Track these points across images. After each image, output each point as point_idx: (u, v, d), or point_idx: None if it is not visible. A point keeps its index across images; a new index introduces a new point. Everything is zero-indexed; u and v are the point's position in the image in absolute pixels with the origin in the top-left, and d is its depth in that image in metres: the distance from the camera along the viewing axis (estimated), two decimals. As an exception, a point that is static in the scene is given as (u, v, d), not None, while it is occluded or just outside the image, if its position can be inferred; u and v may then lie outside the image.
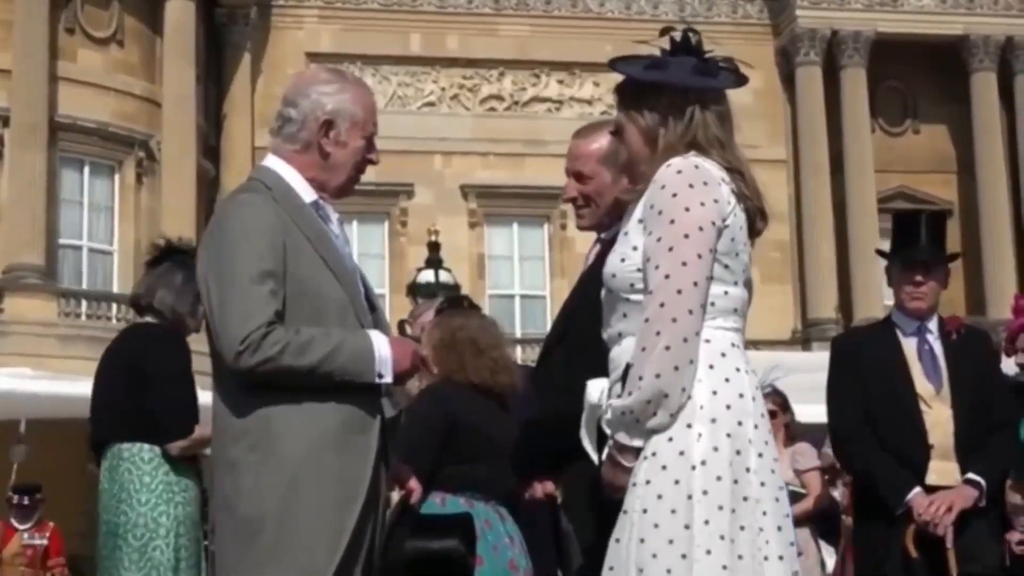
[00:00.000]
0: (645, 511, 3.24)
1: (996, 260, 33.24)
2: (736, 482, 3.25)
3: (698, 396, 3.28)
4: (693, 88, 3.49)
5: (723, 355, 3.34)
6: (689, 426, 3.27)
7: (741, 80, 3.59)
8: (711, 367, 3.31)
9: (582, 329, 3.78)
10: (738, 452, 3.27)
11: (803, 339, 32.61)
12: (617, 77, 3.62)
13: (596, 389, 3.47)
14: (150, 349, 5.76)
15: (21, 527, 14.16)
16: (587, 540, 3.96)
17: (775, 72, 34.51)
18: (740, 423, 3.30)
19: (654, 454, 3.27)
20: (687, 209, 3.33)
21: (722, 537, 3.21)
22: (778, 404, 8.92)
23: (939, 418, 5.51)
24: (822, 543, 9.22)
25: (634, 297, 3.39)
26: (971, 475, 5.44)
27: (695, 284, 3.29)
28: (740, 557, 3.22)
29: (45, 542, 14.19)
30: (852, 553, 7.78)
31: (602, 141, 4.21)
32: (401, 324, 9.27)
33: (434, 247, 23.72)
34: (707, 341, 3.32)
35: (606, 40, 27.50)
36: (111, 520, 5.67)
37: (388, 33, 33.65)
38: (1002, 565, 5.61)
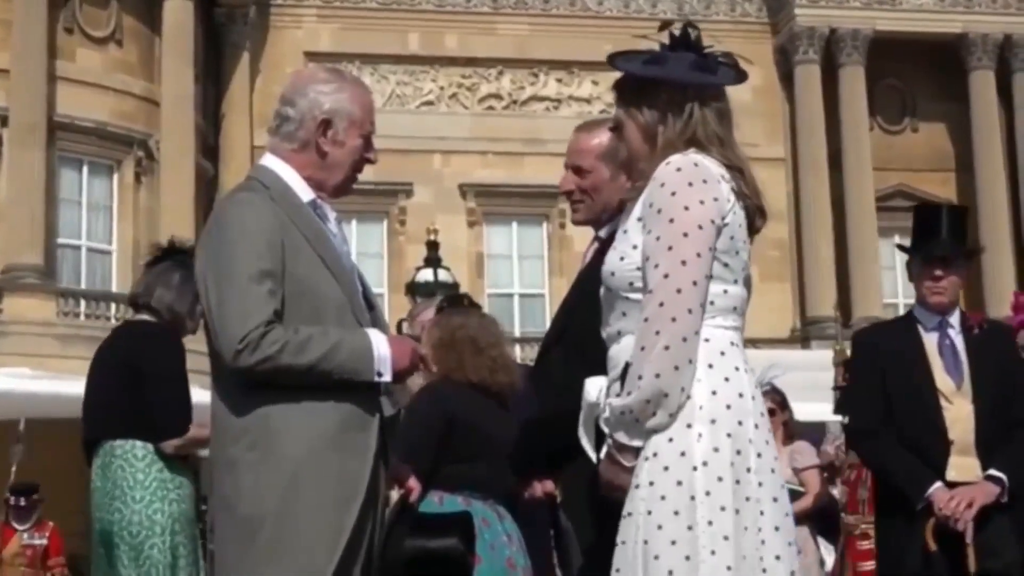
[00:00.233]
0: (649, 513, 3.23)
1: (995, 258, 33.22)
2: (738, 482, 3.25)
3: (697, 396, 3.28)
4: (692, 84, 3.47)
5: (722, 354, 3.33)
6: (689, 426, 3.26)
7: (741, 76, 3.57)
8: (710, 366, 3.30)
9: (581, 327, 3.78)
10: (739, 452, 3.26)
11: (802, 337, 32.61)
12: (616, 75, 3.60)
13: (594, 387, 3.46)
14: (146, 347, 5.72)
15: (20, 527, 14.15)
16: (587, 539, 3.97)
17: (773, 70, 34.51)
18: (740, 423, 3.29)
19: (655, 455, 3.26)
20: (686, 208, 3.32)
21: (726, 538, 3.20)
22: (777, 402, 8.92)
23: (960, 414, 5.47)
24: (821, 541, 9.23)
25: (633, 296, 3.38)
26: (993, 471, 5.39)
27: (694, 283, 3.28)
28: (744, 557, 3.22)
29: (45, 542, 14.18)
30: (851, 551, 7.80)
31: (603, 137, 4.23)
32: (400, 324, 9.28)
33: (433, 246, 23.71)
34: (706, 340, 3.31)
35: (605, 39, 27.45)
36: (105, 518, 5.62)
37: (387, 32, 33.64)
38: (1023, 562, 5.55)
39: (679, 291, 3.26)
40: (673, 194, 3.34)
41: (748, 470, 3.27)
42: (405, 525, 5.30)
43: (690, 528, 3.20)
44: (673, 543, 3.20)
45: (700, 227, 3.31)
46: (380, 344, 3.75)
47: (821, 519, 8.95)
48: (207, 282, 3.73)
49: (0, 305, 26.82)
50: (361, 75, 30.67)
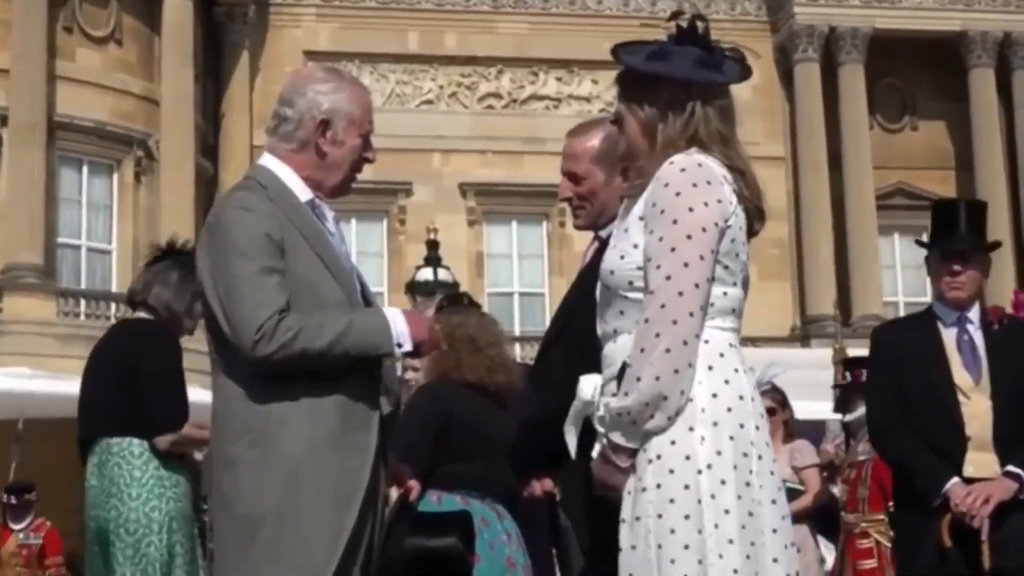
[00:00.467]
0: (660, 516, 3.23)
1: (994, 256, 33.16)
2: (748, 484, 3.24)
3: (698, 399, 3.26)
4: (695, 82, 3.44)
5: (721, 355, 3.32)
6: (691, 429, 3.25)
7: (746, 73, 3.53)
8: (710, 368, 3.29)
9: (580, 326, 3.77)
10: (744, 455, 3.26)
11: (802, 336, 32.60)
12: (616, 73, 3.59)
13: (589, 385, 3.45)
14: (142, 345, 5.69)
15: (16, 527, 14.13)
16: (586, 538, 3.96)
17: (773, 69, 34.50)
18: (742, 425, 3.28)
19: (659, 457, 3.25)
20: (691, 209, 3.29)
21: (731, 541, 3.20)
22: (777, 401, 8.92)
23: (977, 409, 5.43)
24: (822, 540, 9.23)
25: (632, 295, 3.36)
26: (1011, 467, 5.36)
27: (696, 286, 3.26)
28: (748, 557, 3.21)
29: (40, 541, 14.15)
30: (850, 549, 7.80)
31: (594, 140, 4.21)
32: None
33: (433, 245, 23.69)
34: (706, 342, 3.29)
35: (604, 37, 27.40)
36: (101, 516, 5.58)
37: (386, 31, 33.63)
38: None
39: (681, 294, 3.25)
40: (677, 195, 3.31)
41: (751, 472, 3.27)
42: (404, 524, 5.30)
43: (699, 532, 3.20)
44: (686, 547, 3.20)
45: (704, 229, 3.29)
46: (396, 318, 3.77)
47: (821, 518, 8.95)
48: (214, 281, 3.71)
49: (0, 304, 26.81)
50: (360, 74, 30.68)
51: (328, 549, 3.64)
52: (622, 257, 3.40)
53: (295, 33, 33.57)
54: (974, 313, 5.61)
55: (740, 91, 3.57)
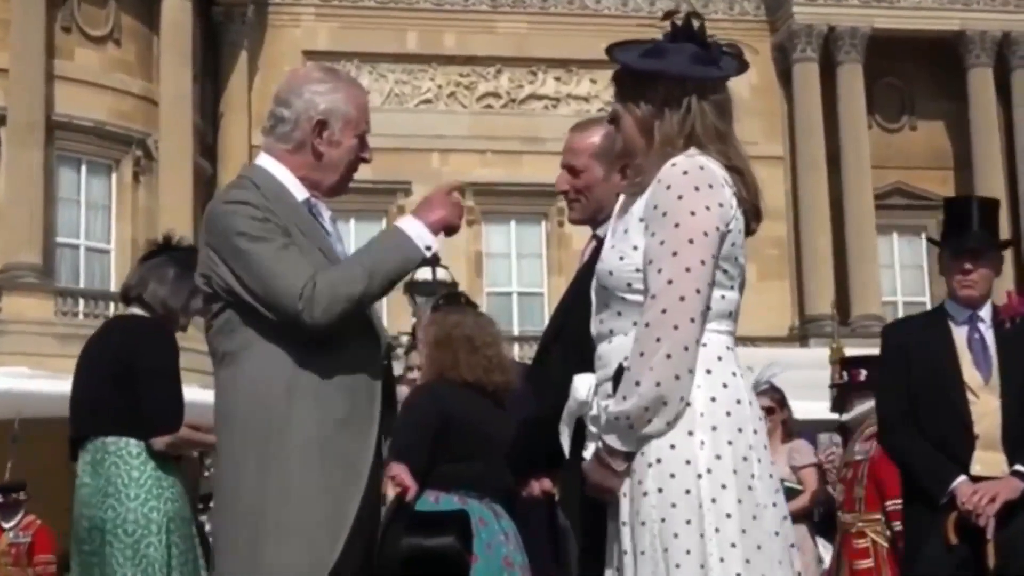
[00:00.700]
0: (663, 520, 3.22)
1: (993, 256, 33.23)
2: (751, 488, 3.24)
3: (697, 403, 3.25)
4: (691, 77, 3.42)
5: (719, 359, 3.31)
6: (691, 433, 3.24)
7: (742, 67, 3.51)
8: (708, 372, 3.28)
9: (579, 326, 3.77)
10: (744, 459, 3.25)
11: (800, 335, 32.61)
12: (613, 71, 3.58)
13: (584, 385, 3.44)
14: (138, 342, 5.61)
15: (6, 526, 14.13)
16: (583, 538, 3.97)
17: (772, 68, 34.52)
18: (740, 429, 3.28)
19: (659, 461, 3.24)
20: (692, 213, 3.28)
21: (733, 545, 3.19)
22: (776, 400, 8.92)
23: (986, 408, 5.41)
24: (820, 540, 9.22)
25: (630, 297, 3.35)
26: (1019, 466, 5.34)
27: (698, 291, 3.25)
28: (748, 561, 3.21)
29: (29, 540, 14.14)
30: (847, 549, 7.79)
31: (596, 137, 4.24)
32: (413, 327, 9.26)
33: (431, 245, 23.63)
34: (703, 345, 3.28)
35: (603, 37, 27.34)
36: (97, 516, 5.51)
37: (385, 31, 33.65)
38: None
39: (683, 299, 3.23)
40: (679, 198, 3.29)
41: (753, 476, 3.26)
42: (401, 523, 5.30)
43: (701, 536, 3.20)
44: (688, 552, 3.19)
45: (705, 234, 3.28)
46: (408, 224, 3.78)
47: (822, 518, 8.96)
48: (232, 274, 3.70)
49: (-1, 304, 26.85)
50: (359, 74, 30.71)
51: (332, 534, 3.65)
52: (621, 258, 3.39)
53: (294, 33, 33.58)
54: (986, 311, 5.59)
55: (739, 91, 3.57)
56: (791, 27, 34.38)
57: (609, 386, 3.34)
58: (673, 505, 3.22)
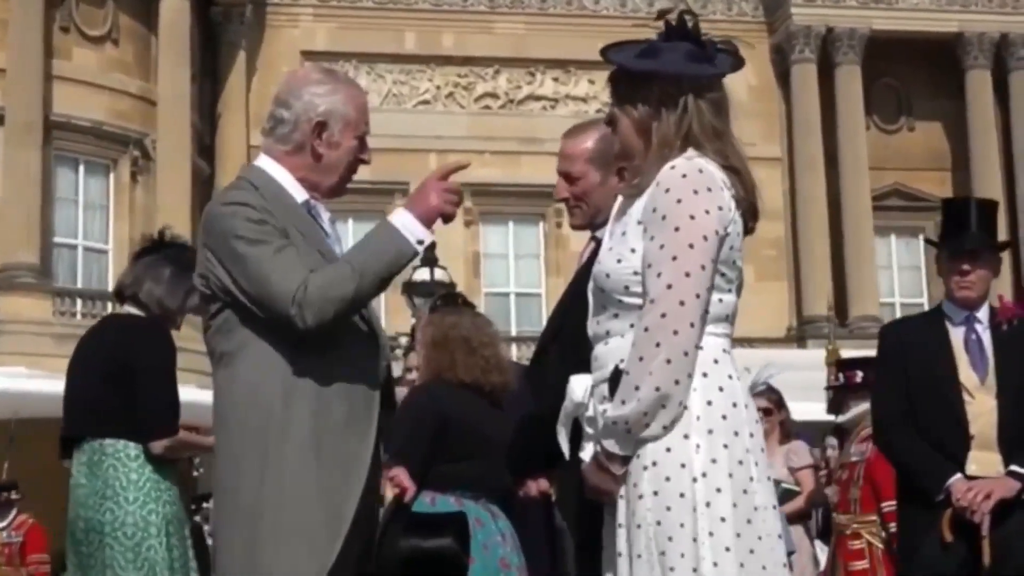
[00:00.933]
0: (659, 523, 3.23)
1: (991, 257, 33.22)
2: (745, 492, 3.24)
3: (693, 406, 3.26)
4: (686, 76, 3.41)
5: (715, 362, 3.31)
6: (686, 437, 3.24)
7: (737, 63, 3.50)
8: (704, 375, 3.28)
9: (577, 327, 3.77)
10: (740, 463, 3.26)
11: (798, 336, 32.62)
12: (609, 72, 3.56)
13: (580, 386, 3.44)
14: (135, 341, 5.57)
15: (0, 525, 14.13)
16: (580, 539, 3.97)
17: (770, 70, 34.53)
18: (736, 433, 3.27)
19: (654, 464, 3.24)
20: (692, 217, 3.27)
21: (727, 549, 3.19)
22: (773, 402, 8.92)
23: (982, 409, 5.43)
24: (818, 542, 9.23)
25: (628, 299, 3.35)
26: (1014, 467, 5.36)
27: (697, 296, 3.25)
28: (742, 565, 3.21)
29: (21, 539, 14.13)
30: (842, 550, 7.79)
31: (589, 141, 4.23)
32: (412, 328, 9.25)
33: (429, 245, 23.63)
34: (700, 348, 3.28)
35: (601, 38, 27.17)
36: (93, 518, 5.48)
37: (383, 31, 33.64)
38: None
39: (682, 303, 3.23)
40: (679, 201, 3.29)
41: (752, 479, 3.26)
42: (400, 524, 5.30)
43: (695, 540, 3.20)
44: (683, 555, 3.19)
45: (705, 238, 3.27)
46: (401, 218, 3.75)
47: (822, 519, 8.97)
48: (231, 276, 3.70)
49: (-4, 304, 26.83)
50: (357, 74, 30.73)
51: (329, 536, 3.65)
52: (619, 261, 3.38)
53: (292, 33, 33.57)
54: (983, 313, 5.61)
55: (736, 92, 3.56)
56: (789, 28, 34.39)
57: (605, 387, 3.34)
58: (668, 508, 3.22)
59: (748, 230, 3.46)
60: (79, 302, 27.84)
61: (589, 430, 3.37)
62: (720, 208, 3.32)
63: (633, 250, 3.36)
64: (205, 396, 3.99)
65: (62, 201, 28.57)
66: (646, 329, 3.24)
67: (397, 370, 6.51)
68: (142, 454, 5.49)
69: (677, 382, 3.21)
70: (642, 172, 3.43)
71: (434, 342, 5.60)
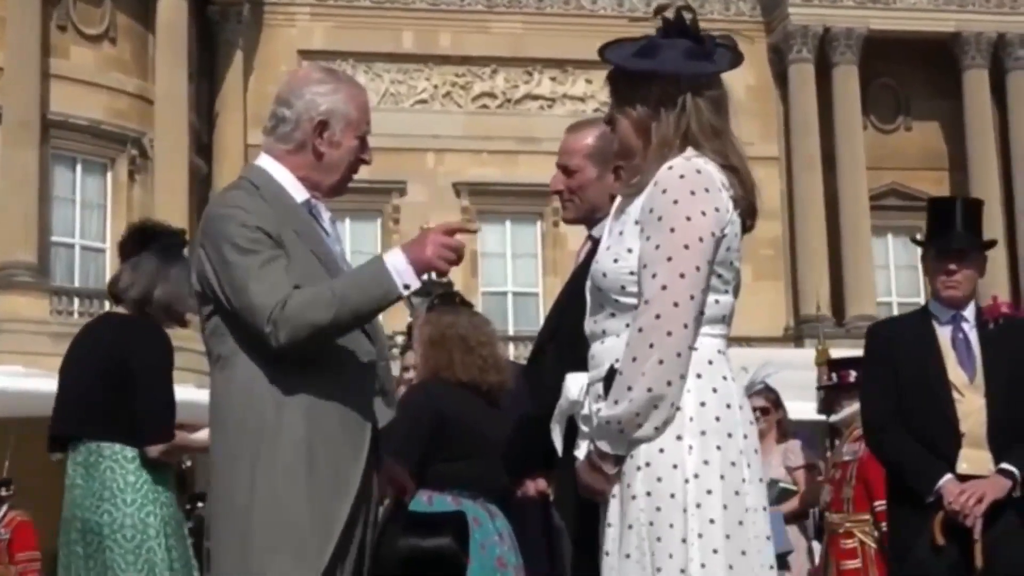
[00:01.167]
0: (651, 524, 3.23)
1: (988, 255, 33.21)
2: (737, 493, 3.24)
3: (687, 407, 3.25)
4: (685, 75, 3.39)
5: (710, 363, 3.31)
6: (679, 438, 3.24)
7: (736, 59, 3.48)
8: (698, 376, 3.28)
9: (574, 326, 3.78)
10: (733, 464, 3.25)
11: (795, 336, 32.64)
12: (608, 72, 3.55)
13: (576, 384, 3.44)
14: (133, 341, 5.54)
15: None
16: (577, 538, 3.98)
17: (767, 69, 34.55)
18: (730, 435, 3.27)
19: (647, 464, 3.24)
20: (688, 218, 3.27)
21: (715, 551, 3.19)
22: (770, 401, 8.93)
23: (972, 407, 5.43)
24: (815, 543, 9.23)
25: (624, 299, 3.34)
26: (1005, 465, 5.36)
27: (691, 297, 3.24)
28: (731, 567, 3.21)
29: (9, 536, 14.12)
30: (834, 549, 7.80)
31: (590, 138, 4.27)
32: (409, 327, 9.24)
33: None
34: (694, 349, 3.28)
35: (599, 37, 27.14)
36: (90, 519, 5.45)
37: (380, 30, 33.65)
38: None
39: (676, 304, 3.22)
40: (675, 202, 3.28)
41: (744, 481, 3.26)
42: (398, 524, 5.30)
43: (684, 541, 3.20)
44: (671, 556, 3.19)
45: (700, 239, 3.27)
46: (393, 258, 3.68)
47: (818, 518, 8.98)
48: (219, 281, 3.71)
49: (-7, 303, 26.82)
50: (355, 73, 30.67)
51: (320, 542, 3.65)
52: (616, 260, 3.38)
53: (289, 32, 33.57)
54: (970, 312, 5.62)
55: (734, 91, 3.55)
56: (787, 28, 34.41)
57: (600, 386, 3.34)
58: (659, 509, 3.22)
59: (747, 229, 3.45)
60: (76, 301, 27.84)
61: (584, 428, 3.38)
62: (717, 209, 3.31)
63: (630, 250, 3.35)
64: (203, 396, 3.99)
65: (59, 200, 28.57)
66: (640, 330, 3.24)
67: (395, 370, 6.51)
68: (139, 456, 5.47)
69: (669, 383, 3.21)
70: (641, 171, 3.43)
71: (431, 341, 5.60)
